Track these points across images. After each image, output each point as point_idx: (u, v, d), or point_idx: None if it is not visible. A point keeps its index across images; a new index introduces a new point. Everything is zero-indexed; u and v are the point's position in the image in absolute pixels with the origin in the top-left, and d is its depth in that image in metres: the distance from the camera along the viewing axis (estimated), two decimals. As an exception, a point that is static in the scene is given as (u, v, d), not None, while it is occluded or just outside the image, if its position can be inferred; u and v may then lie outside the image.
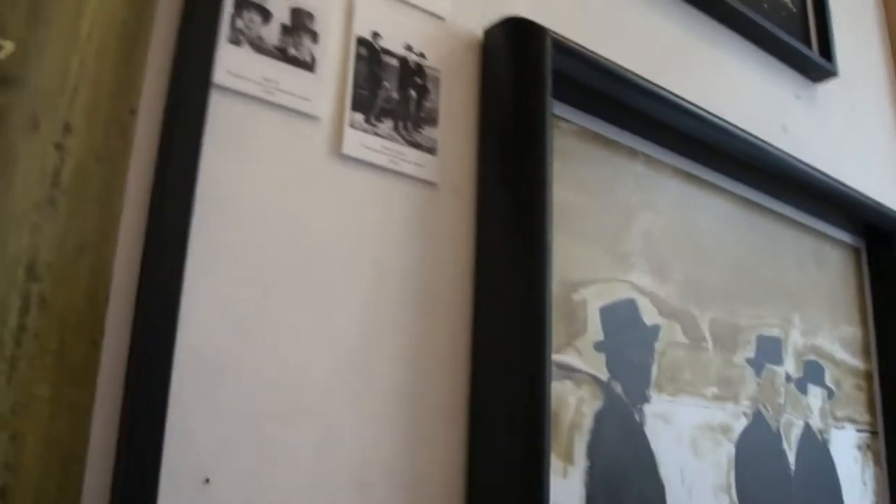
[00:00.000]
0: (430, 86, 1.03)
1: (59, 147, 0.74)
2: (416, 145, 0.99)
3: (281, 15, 0.91)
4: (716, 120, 1.33)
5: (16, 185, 0.71)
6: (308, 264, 0.88)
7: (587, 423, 1.08)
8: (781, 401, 1.45)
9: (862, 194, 1.66)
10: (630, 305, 1.19)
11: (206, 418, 0.78)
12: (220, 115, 0.84)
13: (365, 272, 0.93)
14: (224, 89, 0.85)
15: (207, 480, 0.77)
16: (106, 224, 0.75)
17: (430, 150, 1.01)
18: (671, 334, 1.25)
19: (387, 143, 0.97)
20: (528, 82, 1.06)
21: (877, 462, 1.67)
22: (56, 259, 0.72)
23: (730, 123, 1.36)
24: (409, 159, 0.99)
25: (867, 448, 1.65)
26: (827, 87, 1.81)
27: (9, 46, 0.72)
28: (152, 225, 0.77)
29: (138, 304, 0.75)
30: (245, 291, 0.83)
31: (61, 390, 0.70)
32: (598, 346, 1.12)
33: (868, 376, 1.72)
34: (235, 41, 0.87)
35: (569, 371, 1.07)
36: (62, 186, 0.73)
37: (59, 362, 0.70)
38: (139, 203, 0.78)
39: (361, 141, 0.95)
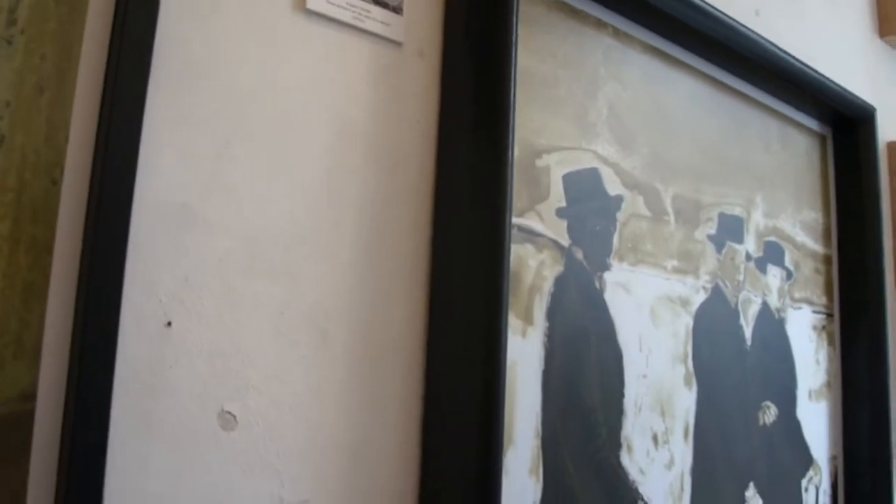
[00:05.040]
0: (397, -55, 1.02)
1: (15, -15, 0.73)
2: (381, 3, 0.98)
3: None
4: (686, -5, 1.32)
5: (-29, 23, 0.70)
6: (271, 118, 0.88)
7: (547, 286, 1.10)
8: (741, 278, 1.48)
9: (831, 81, 1.67)
10: (593, 174, 1.20)
11: (168, 264, 0.79)
12: (182, -36, 0.83)
13: (328, 127, 0.93)
14: (185, -63, 0.84)
15: (169, 324, 0.78)
16: (65, 65, 0.74)
17: (396, 10, 1.00)
18: (634, 206, 1.26)
19: (352, 0, 0.96)
20: (497, -55, 1.04)
21: (830, 343, 1.71)
22: (14, 97, 0.71)
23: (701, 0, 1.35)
24: (375, 17, 0.98)
25: (822, 329, 1.69)
26: (802, -27, 1.80)
27: None
28: (111, 67, 0.76)
29: (97, 145, 0.75)
30: (207, 142, 0.83)
31: (21, 227, 0.70)
32: (560, 213, 1.13)
33: (827, 260, 1.75)
34: None
35: (530, 234, 1.08)
36: (19, 24, 0.72)
37: (19, 199, 0.70)
38: (98, 46, 0.76)
39: (326, -4, 0.94)
